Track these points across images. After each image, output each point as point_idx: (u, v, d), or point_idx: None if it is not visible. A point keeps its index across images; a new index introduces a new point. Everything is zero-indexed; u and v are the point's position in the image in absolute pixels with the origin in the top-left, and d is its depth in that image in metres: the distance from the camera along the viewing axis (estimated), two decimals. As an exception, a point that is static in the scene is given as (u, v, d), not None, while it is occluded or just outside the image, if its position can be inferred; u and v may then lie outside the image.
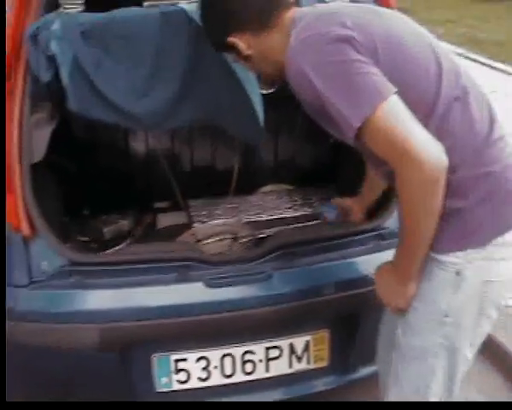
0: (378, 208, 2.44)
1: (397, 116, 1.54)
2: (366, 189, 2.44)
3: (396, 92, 1.56)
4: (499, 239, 1.69)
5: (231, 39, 1.84)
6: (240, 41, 1.83)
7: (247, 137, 2.65)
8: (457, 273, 1.70)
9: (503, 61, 8.27)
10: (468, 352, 1.82)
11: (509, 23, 10.85)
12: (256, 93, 2.45)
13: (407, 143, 1.50)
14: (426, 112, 1.64)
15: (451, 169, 1.59)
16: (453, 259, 1.70)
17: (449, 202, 1.63)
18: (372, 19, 1.72)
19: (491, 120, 1.73)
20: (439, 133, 1.59)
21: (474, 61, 8.26)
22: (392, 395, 1.91)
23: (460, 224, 1.68)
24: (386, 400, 1.95)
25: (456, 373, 1.84)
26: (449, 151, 1.55)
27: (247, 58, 1.88)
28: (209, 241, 2.70)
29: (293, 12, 1.82)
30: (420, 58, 1.69)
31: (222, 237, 2.73)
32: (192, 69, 2.37)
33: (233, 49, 1.87)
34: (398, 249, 1.78)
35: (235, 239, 2.72)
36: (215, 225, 2.85)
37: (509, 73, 7.97)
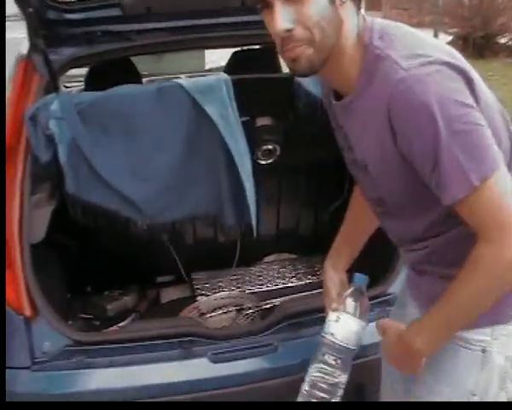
0: (381, 273, 2.42)
1: (506, 187, 1.43)
2: (347, 248, 2.05)
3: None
4: None
5: None
6: None
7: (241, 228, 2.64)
8: (483, 351, 1.62)
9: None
10: None
11: (506, 80, 11.02)
12: (248, 171, 2.46)
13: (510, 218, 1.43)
14: None
15: None
16: (479, 336, 1.62)
17: None
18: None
19: None
20: None
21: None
22: None
23: None
24: None
25: None
26: None
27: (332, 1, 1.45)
28: (213, 314, 2.68)
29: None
30: (501, 122, 1.59)
31: (226, 309, 2.71)
32: (190, 148, 2.39)
33: None
34: (426, 322, 1.59)
35: (239, 311, 2.70)
36: (219, 297, 2.83)
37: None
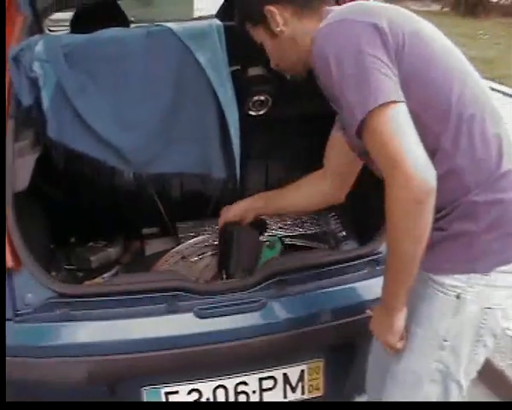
0: (372, 232, 2.38)
1: (398, 126, 1.52)
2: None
3: (404, 103, 1.55)
4: (503, 267, 1.66)
5: (270, 8, 1.80)
6: (278, 13, 1.80)
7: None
8: (458, 297, 1.67)
9: (492, 79, 8.29)
10: (463, 379, 1.78)
11: (497, 40, 10.94)
12: (235, 121, 2.37)
13: (400, 156, 1.48)
14: (442, 116, 1.63)
15: (465, 190, 1.60)
16: (454, 282, 1.67)
17: (458, 223, 1.63)
18: (404, 18, 1.74)
19: (504, 148, 1.69)
20: (455, 147, 1.61)
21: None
22: None
23: (466, 247, 1.65)
24: None
25: (450, 400, 1.80)
26: (464, 171, 1.59)
27: (274, 36, 1.85)
28: (195, 258, 2.62)
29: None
30: (447, 63, 1.70)
31: (209, 252, 2.66)
32: (178, 95, 2.30)
33: (264, 21, 1.83)
34: (384, 276, 1.73)
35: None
36: (200, 241, 2.77)
37: (498, 91, 8.00)
